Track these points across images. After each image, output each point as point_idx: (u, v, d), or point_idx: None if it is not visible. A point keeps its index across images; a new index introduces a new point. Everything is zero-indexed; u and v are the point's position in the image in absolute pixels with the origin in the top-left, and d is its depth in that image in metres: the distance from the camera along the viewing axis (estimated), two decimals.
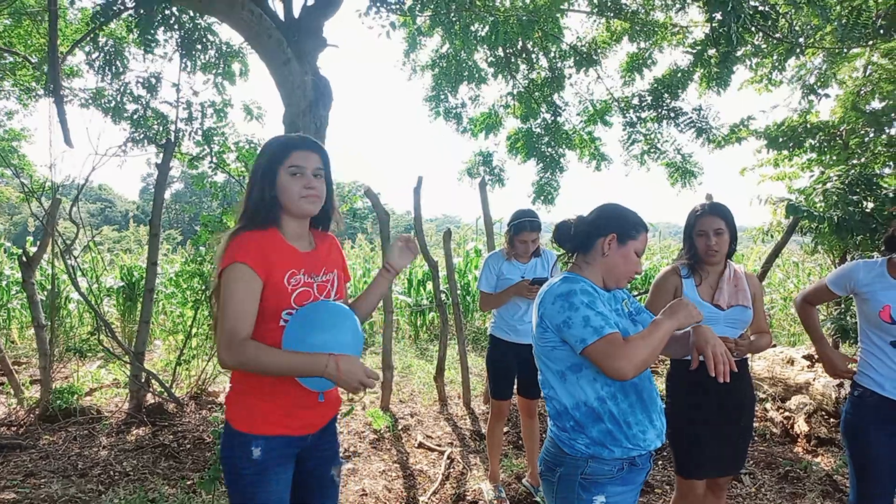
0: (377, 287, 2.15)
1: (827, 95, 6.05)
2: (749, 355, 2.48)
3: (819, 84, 6.04)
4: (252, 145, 5.50)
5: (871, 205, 4.69)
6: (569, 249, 2.06)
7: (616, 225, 1.96)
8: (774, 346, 6.46)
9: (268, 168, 1.81)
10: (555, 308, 1.84)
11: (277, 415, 1.80)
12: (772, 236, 6.43)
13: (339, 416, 5.04)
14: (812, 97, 5.99)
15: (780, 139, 5.88)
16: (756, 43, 5.98)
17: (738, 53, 5.42)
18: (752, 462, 4.34)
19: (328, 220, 2.00)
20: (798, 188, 6.17)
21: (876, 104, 5.66)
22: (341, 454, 4.36)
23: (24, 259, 4.99)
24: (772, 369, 5.71)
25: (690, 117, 6.94)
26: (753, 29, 4.84)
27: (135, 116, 5.87)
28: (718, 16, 4.29)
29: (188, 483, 3.78)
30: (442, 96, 8.03)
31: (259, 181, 1.82)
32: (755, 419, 5.20)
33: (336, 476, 2.02)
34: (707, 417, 2.59)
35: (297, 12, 5.06)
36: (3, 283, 8.19)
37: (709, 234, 2.61)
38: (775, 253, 5.86)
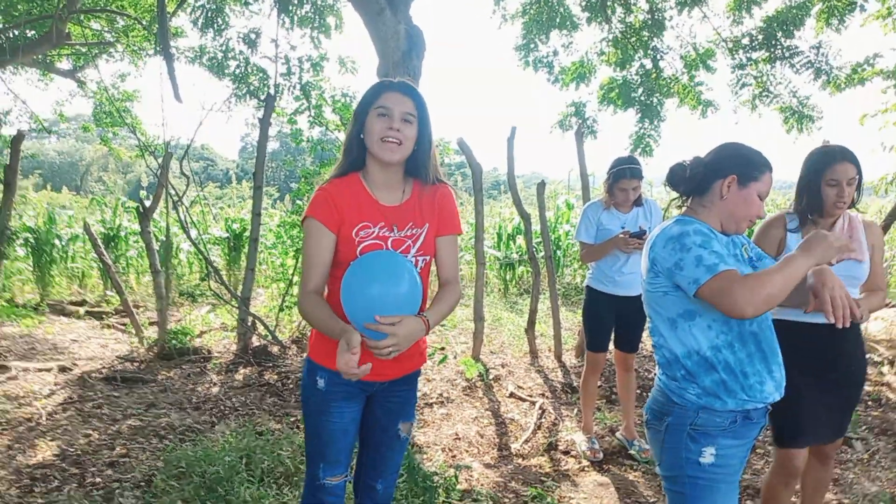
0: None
1: None
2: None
3: None
4: (347, 98, 5.57)
5: None
6: (683, 192, 1.94)
7: (737, 165, 1.82)
8: (894, 306, 5.98)
9: (360, 109, 1.82)
10: (666, 251, 1.75)
11: None
12: (895, 186, 5.90)
13: (434, 364, 5.17)
14: None
15: None
16: None
17: None
18: (864, 427, 4.08)
19: (423, 170, 1.86)
20: None
21: None
22: (434, 400, 4.49)
23: (141, 210, 5.35)
24: (890, 331, 5.30)
25: (808, 57, 6.35)
26: None
27: (236, 72, 6.08)
28: None
29: (292, 419, 4.00)
30: (532, 45, 7.76)
31: (354, 123, 1.82)
32: (868, 383, 4.87)
33: (403, 432, 2.00)
34: (810, 380, 2.30)
35: None
36: (122, 234, 8.85)
37: (842, 183, 2.27)
38: None
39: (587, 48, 7.77)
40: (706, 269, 1.65)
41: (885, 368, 5.02)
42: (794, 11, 6.34)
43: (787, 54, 6.33)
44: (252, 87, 6.31)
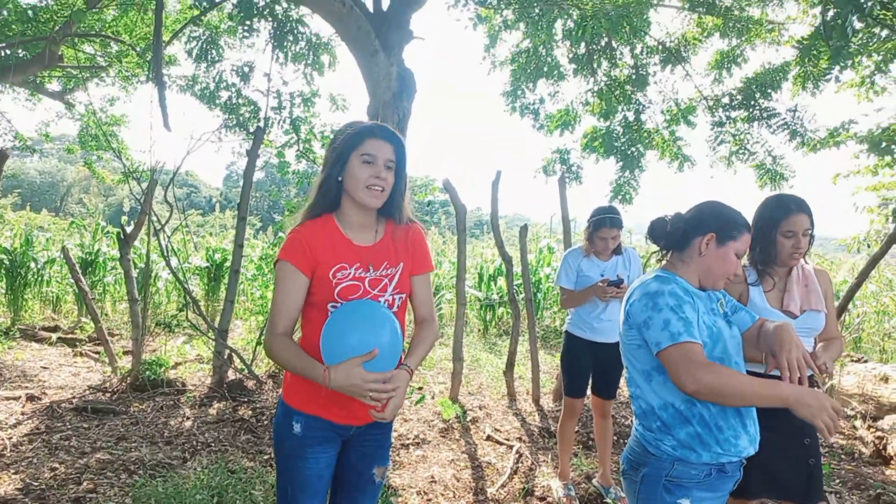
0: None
1: None
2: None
3: None
4: None
5: None
6: (663, 247, 2.01)
7: (716, 224, 1.89)
8: (865, 361, 6.09)
9: (341, 152, 1.81)
10: (639, 305, 1.81)
11: (320, 397, 1.82)
12: (868, 245, 6.06)
13: (411, 404, 5.13)
14: None
15: (884, 144, 5.51)
16: (862, 41, 5.60)
17: (851, 49, 5.02)
18: (838, 481, 4.11)
19: (397, 212, 1.91)
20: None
21: None
22: (410, 441, 4.44)
23: (122, 236, 5.31)
24: (862, 386, 5.38)
25: (784, 118, 6.60)
26: (873, 21, 4.48)
27: (228, 103, 6.14)
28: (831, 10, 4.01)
29: (265, 457, 3.93)
30: (520, 92, 7.96)
31: (332, 164, 1.82)
32: (841, 437, 4.93)
33: (377, 477, 2.00)
34: (768, 435, 2.19)
35: (385, 4, 5.16)
36: (101, 259, 8.74)
37: (798, 234, 2.30)
38: (872, 264, 5.52)
39: (573, 98, 7.99)
40: (670, 335, 1.70)
41: (858, 423, 5.10)
42: (772, 74, 6.60)
43: (764, 115, 6.56)
44: (242, 119, 6.37)
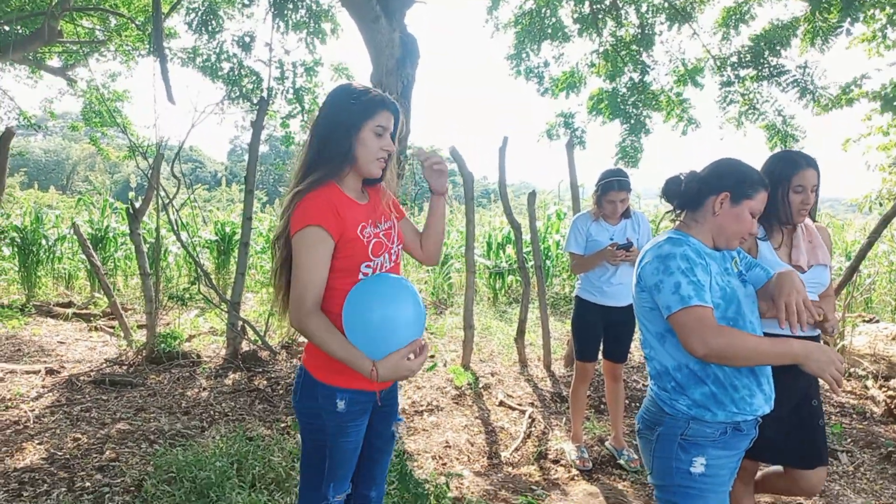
0: (435, 212, 2.10)
1: None
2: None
3: None
4: None
5: None
6: (677, 206, 1.99)
7: (731, 183, 1.86)
8: (877, 321, 6.08)
9: (354, 121, 1.77)
10: (651, 268, 1.80)
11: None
12: (880, 204, 6.01)
13: (423, 372, 5.18)
14: None
15: None
16: None
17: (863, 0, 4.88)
18: (850, 440, 4.15)
19: (379, 179, 1.94)
20: None
21: None
22: (424, 408, 4.50)
23: (131, 211, 5.33)
24: (874, 346, 5.39)
25: (794, 75, 6.47)
26: None
27: (230, 75, 6.08)
28: None
29: (282, 425, 4.00)
30: (524, 55, 7.83)
31: (341, 132, 1.77)
32: (853, 396, 4.95)
33: (395, 432, 2.04)
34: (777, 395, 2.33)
35: None
36: (111, 234, 8.79)
37: (807, 189, 2.28)
38: (885, 222, 5.47)
39: (578, 59, 7.86)
40: (680, 299, 1.70)
41: (870, 382, 5.11)
42: (781, 31, 6.45)
43: (774, 73, 6.44)
44: (245, 90, 6.32)
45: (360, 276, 1.80)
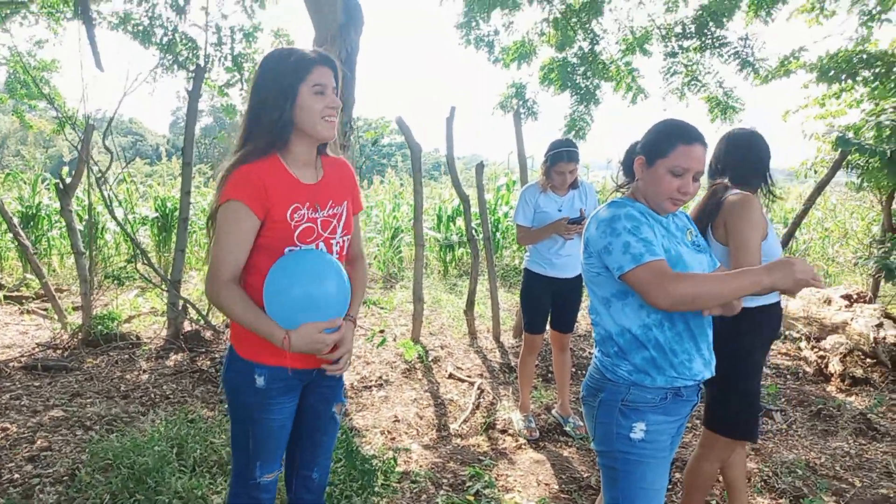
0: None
1: (889, 20, 5.65)
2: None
3: (880, 8, 5.63)
4: None
5: None
6: (626, 175, 2.00)
7: (644, 145, 1.85)
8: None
9: (288, 84, 1.66)
10: (598, 233, 1.78)
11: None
12: (815, 171, 6.21)
13: (373, 347, 5.14)
14: (871, 24, 5.60)
15: (832, 71, 5.55)
16: None
17: None
18: (783, 399, 4.32)
19: (332, 145, 1.87)
20: (843, 126, 5.87)
21: None
22: (373, 383, 4.47)
23: (61, 186, 5.05)
24: (808, 309, 5.61)
25: (735, 47, 6.58)
26: None
27: (163, 41, 5.76)
28: None
29: (225, 407, 3.89)
30: (473, 23, 7.71)
31: (274, 99, 1.67)
32: (787, 357, 5.16)
33: (337, 413, 2.00)
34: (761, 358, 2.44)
35: None
36: (43, 212, 8.35)
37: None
38: (819, 190, 5.67)
39: (528, 28, 7.79)
40: (632, 257, 1.68)
41: (803, 344, 5.33)
42: (727, 2, 6.52)
43: (716, 44, 6.52)
44: (181, 58, 6.01)
45: None
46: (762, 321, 2.36)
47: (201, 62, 5.56)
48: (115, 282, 5.94)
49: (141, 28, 5.78)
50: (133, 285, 6.86)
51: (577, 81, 7.57)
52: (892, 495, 3.01)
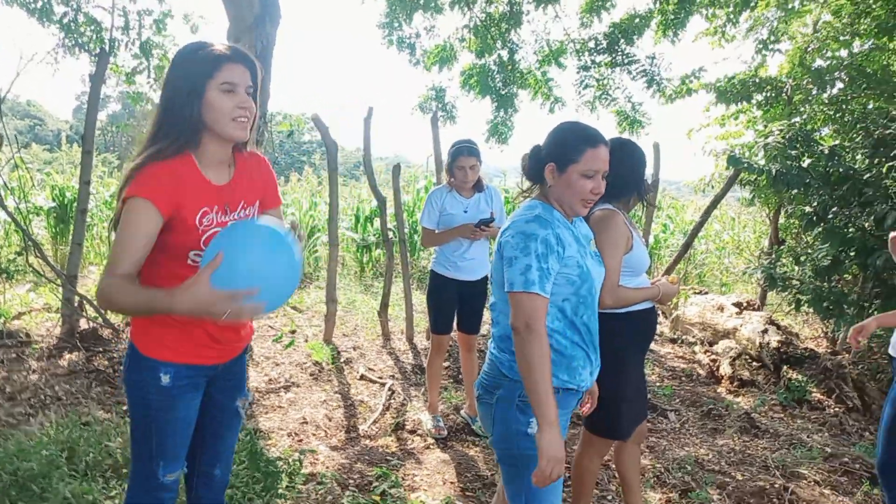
0: None
1: (779, 51, 6.14)
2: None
3: (771, 39, 6.12)
4: None
5: (808, 161, 4.86)
6: (531, 181, 1.98)
7: (553, 152, 1.86)
8: (706, 293, 6.76)
9: (195, 82, 1.59)
10: (513, 241, 1.79)
11: (191, 344, 1.73)
12: (712, 187, 6.64)
13: (282, 348, 5.04)
14: (765, 52, 6.07)
15: (730, 93, 5.97)
16: None
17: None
18: (678, 400, 4.59)
19: (249, 142, 1.79)
20: (740, 144, 6.35)
21: (821, 62, 5.81)
22: (281, 385, 4.39)
23: None
24: (703, 315, 5.99)
25: (643, 65, 6.94)
26: None
27: (65, 20, 5.40)
28: None
29: (123, 408, 3.72)
30: (396, 24, 7.74)
31: (182, 97, 1.59)
32: (682, 361, 5.49)
33: (241, 408, 1.97)
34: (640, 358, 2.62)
35: None
36: None
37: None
38: (714, 204, 6.05)
39: (449, 33, 7.90)
40: (525, 281, 1.73)
41: (697, 348, 5.68)
42: (637, 21, 6.87)
43: (626, 61, 6.86)
44: (84, 40, 5.65)
45: (189, 261, 1.67)
46: (633, 327, 2.42)
47: (105, 46, 5.26)
48: (4, 275, 5.52)
49: (39, 4, 5.39)
50: (25, 280, 6.42)
51: (497, 88, 7.75)
52: (767, 487, 3.27)
